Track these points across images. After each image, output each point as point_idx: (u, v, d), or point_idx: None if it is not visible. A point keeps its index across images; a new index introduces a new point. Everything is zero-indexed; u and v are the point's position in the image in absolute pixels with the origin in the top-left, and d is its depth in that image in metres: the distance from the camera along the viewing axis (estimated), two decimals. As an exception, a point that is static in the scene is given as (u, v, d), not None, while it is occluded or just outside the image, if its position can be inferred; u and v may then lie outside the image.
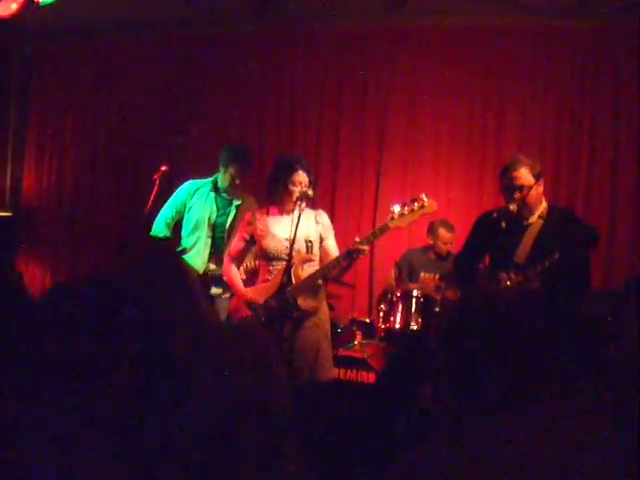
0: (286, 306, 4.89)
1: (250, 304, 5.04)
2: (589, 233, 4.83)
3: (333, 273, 5.08)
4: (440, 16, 7.49)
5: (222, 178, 5.93)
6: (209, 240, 5.92)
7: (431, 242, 6.95)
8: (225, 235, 5.89)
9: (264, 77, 8.20)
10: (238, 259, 5.27)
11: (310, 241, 5.02)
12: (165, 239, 5.74)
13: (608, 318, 5.14)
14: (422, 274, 6.90)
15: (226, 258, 5.35)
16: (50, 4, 6.42)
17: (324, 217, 5.16)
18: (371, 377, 5.98)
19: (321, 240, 5.10)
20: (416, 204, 4.83)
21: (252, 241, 5.16)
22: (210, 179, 6.02)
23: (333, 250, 5.09)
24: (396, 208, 4.84)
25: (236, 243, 5.25)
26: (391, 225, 4.85)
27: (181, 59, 8.42)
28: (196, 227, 5.93)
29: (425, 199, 4.83)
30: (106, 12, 7.91)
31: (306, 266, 4.99)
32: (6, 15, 6.25)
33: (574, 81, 7.28)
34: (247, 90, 8.24)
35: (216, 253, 5.91)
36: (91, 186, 8.81)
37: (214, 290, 5.85)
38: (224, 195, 5.97)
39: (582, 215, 6.66)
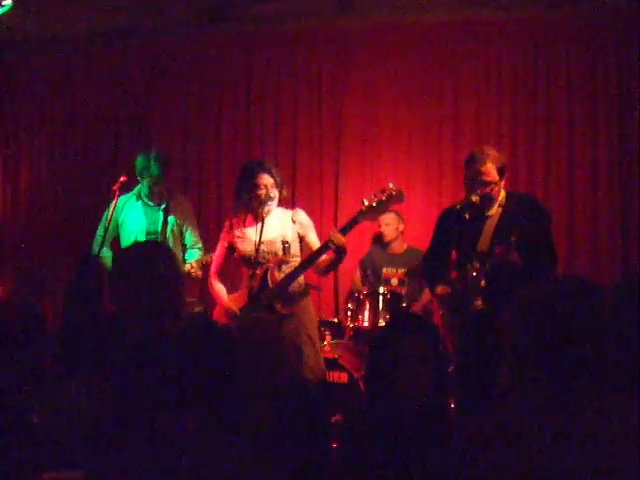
0: (264, 312, 4.88)
1: (228, 312, 5.02)
2: (544, 212, 4.87)
3: (317, 269, 5.05)
4: (392, 12, 7.49)
5: (142, 187, 5.99)
6: None
7: (380, 230, 7.00)
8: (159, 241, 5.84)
9: (219, 82, 8.16)
10: (221, 268, 5.28)
11: (287, 242, 5.02)
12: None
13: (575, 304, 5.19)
14: (384, 270, 6.92)
15: (210, 271, 5.35)
16: (4, 14, 6.34)
17: (301, 215, 5.16)
18: (343, 377, 5.96)
19: (301, 238, 5.09)
20: (385, 194, 4.82)
21: (232, 248, 5.15)
22: (134, 190, 6.05)
23: (315, 245, 5.08)
24: (365, 201, 4.83)
25: (217, 252, 5.28)
26: (361, 220, 4.83)
27: (136, 68, 8.34)
28: (131, 239, 5.92)
29: (393, 188, 4.82)
30: (57, 24, 7.82)
31: (284, 268, 4.98)
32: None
33: (527, 70, 7.34)
34: (202, 96, 8.19)
35: None
36: (48, 200, 8.68)
37: None
38: (150, 203, 6.02)
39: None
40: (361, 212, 4.84)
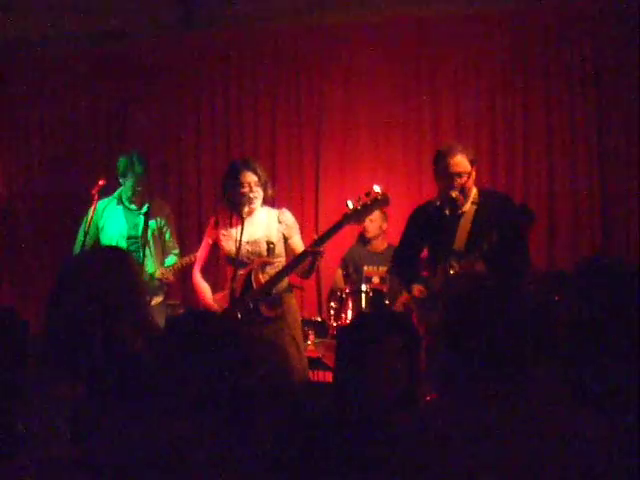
0: (247, 313, 4.86)
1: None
2: (524, 212, 4.87)
3: (298, 272, 5.04)
4: (370, 9, 7.50)
5: (124, 190, 5.98)
6: None
7: (361, 228, 6.96)
8: (140, 244, 5.84)
9: (197, 84, 8.15)
10: (205, 267, 5.25)
11: (272, 243, 5.01)
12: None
13: (555, 298, 5.23)
14: (365, 268, 6.92)
15: (194, 269, 5.32)
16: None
17: (287, 215, 5.15)
18: (328, 376, 5.96)
19: (286, 239, 5.08)
20: (370, 197, 4.77)
21: (216, 246, 5.14)
22: (115, 194, 6.04)
23: (299, 247, 5.05)
24: (350, 204, 4.79)
25: (201, 250, 5.27)
26: (345, 223, 4.81)
27: (114, 70, 8.29)
28: (111, 244, 5.86)
29: (378, 191, 4.77)
30: (38, 25, 7.80)
31: (268, 269, 4.96)
32: None
33: (505, 66, 7.35)
34: (180, 97, 8.17)
35: None
36: (26, 205, 8.63)
37: None
38: (131, 206, 6.02)
39: (521, 198, 6.76)
40: (346, 215, 4.80)
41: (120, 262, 2.90)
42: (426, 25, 7.52)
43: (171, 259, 6.04)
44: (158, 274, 5.84)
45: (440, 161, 4.83)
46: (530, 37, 7.28)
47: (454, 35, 7.42)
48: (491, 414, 2.06)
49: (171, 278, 5.90)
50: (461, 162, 4.77)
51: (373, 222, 6.90)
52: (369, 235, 6.99)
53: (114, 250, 3.69)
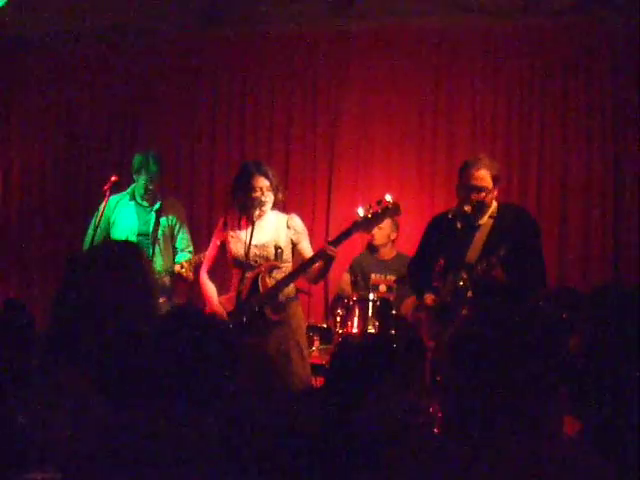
0: (252, 317, 4.84)
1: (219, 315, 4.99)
2: (534, 225, 4.85)
3: (308, 277, 5.02)
4: (388, 17, 7.50)
5: (137, 187, 5.98)
6: None
7: (369, 237, 6.91)
8: (150, 241, 5.84)
9: (213, 85, 8.16)
10: (212, 267, 5.23)
11: (279, 247, 4.97)
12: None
13: (563, 315, 5.20)
14: (373, 276, 6.89)
15: (201, 268, 5.30)
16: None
17: (296, 221, 5.11)
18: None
19: (294, 245, 5.05)
20: (380, 206, 4.73)
21: (224, 247, 5.11)
22: (128, 190, 6.04)
23: (307, 253, 5.03)
24: (360, 211, 4.76)
25: (209, 250, 5.24)
26: (355, 231, 4.79)
27: (129, 67, 8.32)
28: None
29: (390, 200, 4.72)
30: (53, 20, 7.79)
31: (275, 273, 4.94)
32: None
33: (524, 79, 7.35)
34: (196, 98, 8.19)
35: None
36: (39, 199, 8.65)
37: None
38: (143, 203, 6.01)
39: (534, 213, 6.72)
40: (355, 223, 4.78)
41: (131, 256, 2.90)
42: (446, 37, 7.51)
43: (185, 255, 6.01)
44: (178, 269, 5.80)
45: (464, 171, 4.80)
46: (551, 53, 7.27)
47: (473, 48, 7.45)
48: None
49: (190, 274, 5.86)
50: (483, 177, 4.73)
51: (382, 230, 6.84)
52: (377, 243, 6.94)
53: (126, 244, 3.70)
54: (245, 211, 5.02)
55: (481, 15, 7.29)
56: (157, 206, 5.88)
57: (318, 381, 5.94)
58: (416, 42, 7.56)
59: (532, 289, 4.76)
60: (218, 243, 5.19)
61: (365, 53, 7.69)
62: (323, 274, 5.08)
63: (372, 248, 7.01)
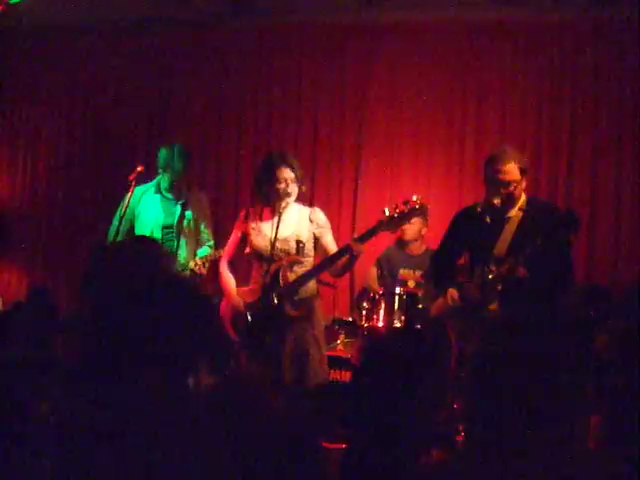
0: (271, 310, 4.81)
1: (234, 307, 4.96)
2: (569, 217, 4.75)
3: (332, 271, 4.98)
4: (417, 11, 7.43)
5: (162, 179, 5.94)
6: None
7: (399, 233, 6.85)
8: (175, 234, 5.83)
9: (240, 76, 8.13)
10: (233, 259, 5.19)
11: (301, 242, 4.92)
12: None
13: (591, 313, 5.14)
14: (401, 271, 6.83)
15: (221, 259, 5.27)
16: (20, 2, 6.32)
17: (318, 214, 5.04)
18: (355, 377, 5.92)
19: (317, 239, 4.99)
20: (407, 206, 4.67)
21: (244, 239, 5.07)
22: (153, 182, 6.01)
23: (331, 247, 4.98)
24: (386, 211, 4.70)
25: (230, 242, 5.19)
26: (380, 230, 4.74)
27: (156, 59, 8.32)
28: (146, 232, 5.86)
29: (417, 200, 4.67)
30: (79, 12, 7.82)
31: (296, 268, 4.90)
32: (-25, 14, 6.14)
33: (554, 75, 7.26)
34: (223, 90, 8.17)
35: None
36: (66, 187, 8.69)
37: None
38: (168, 196, 5.97)
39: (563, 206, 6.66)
40: (381, 222, 4.72)
41: (152, 252, 2.91)
42: (475, 30, 7.45)
43: (205, 250, 5.99)
44: (191, 265, 5.79)
45: (490, 165, 4.73)
46: (581, 49, 7.18)
47: (503, 42, 7.36)
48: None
49: (203, 270, 5.85)
50: (511, 170, 4.66)
51: (412, 226, 6.77)
52: (407, 238, 6.87)
53: (147, 241, 3.71)
54: (269, 203, 4.98)
55: (512, 9, 7.21)
56: (182, 199, 5.86)
57: (343, 375, 5.93)
58: (446, 36, 7.50)
59: (560, 286, 4.70)
60: (239, 235, 5.14)
61: (394, 47, 7.64)
62: (347, 269, 5.03)
63: (401, 243, 6.94)
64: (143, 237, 5.25)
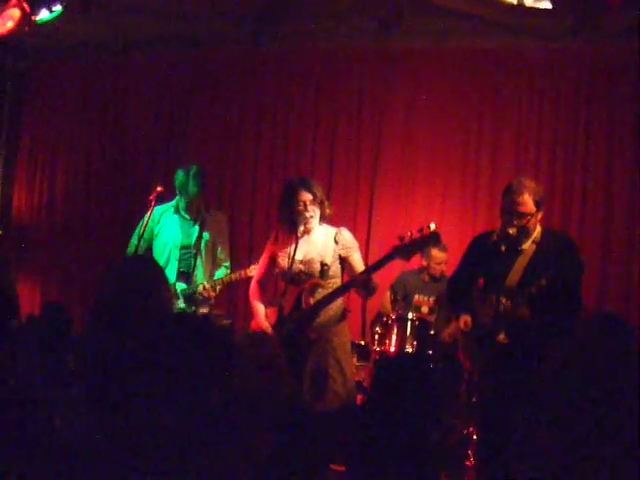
0: (293, 332, 4.84)
1: (263, 329, 5.00)
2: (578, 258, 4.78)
3: (361, 293, 5.05)
4: (435, 39, 7.53)
5: (180, 200, 6.01)
6: (176, 262, 5.96)
7: (424, 264, 6.90)
8: (192, 254, 5.89)
9: (259, 98, 8.21)
10: (263, 280, 5.24)
11: (326, 264, 4.94)
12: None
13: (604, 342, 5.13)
14: (416, 296, 6.85)
15: (252, 280, 5.32)
16: (47, 22, 6.42)
17: (345, 235, 5.07)
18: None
19: (343, 259, 5.02)
20: (421, 233, 4.66)
21: (274, 260, 5.12)
22: (173, 202, 6.06)
23: (358, 266, 5.00)
24: (401, 239, 4.70)
25: (260, 263, 5.25)
26: (394, 257, 4.76)
27: (175, 79, 8.42)
28: (165, 252, 5.95)
29: (430, 228, 4.65)
30: (101, 32, 7.92)
31: (319, 291, 4.92)
32: (3, 33, 6.23)
33: (569, 102, 7.31)
34: (242, 111, 8.24)
35: (184, 273, 5.95)
36: (83, 204, 8.77)
37: (181, 306, 5.87)
38: (186, 216, 6.03)
39: (576, 237, 6.65)
40: (396, 249, 4.72)
41: (147, 270, 3.12)
42: (491, 57, 7.51)
43: (222, 272, 6.04)
44: (199, 290, 5.83)
45: (507, 195, 4.76)
46: (596, 77, 7.22)
47: (519, 70, 7.41)
48: None
49: (212, 294, 5.89)
50: (526, 203, 4.68)
51: (440, 265, 6.83)
52: (437, 275, 6.89)
53: (145, 260, 4.02)
54: (291, 226, 5.04)
55: (528, 38, 7.27)
56: (200, 220, 5.92)
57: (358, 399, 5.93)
58: (461, 63, 7.56)
59: (567, 319, 4.69)
60: (268, 256, 5.19)
61: (411, 72, 7.70)
62: (369, 292, 5.06)
63: (422, 270, 6.96)
64: (143, 257, 5.33)
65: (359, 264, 5.03)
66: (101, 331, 2.80)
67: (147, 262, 3.66)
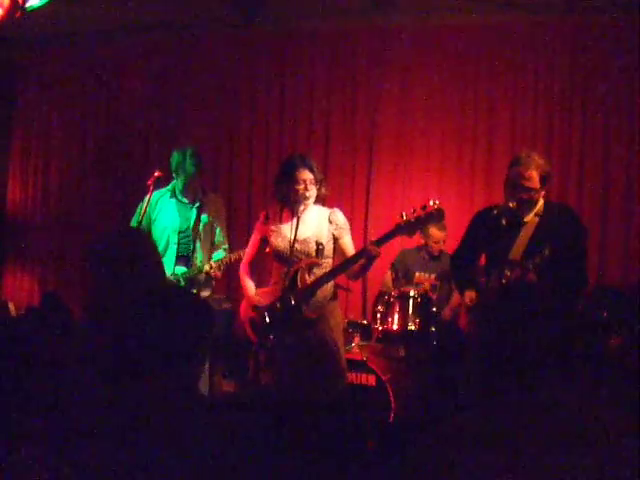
0: (289, 312, 4.82)
1: (255, 307, 4.98)
2: (582, 231, 4.79)
3: (348, 274, 4.97)
4: (429, 14, 7.48)
5: (177, 183, 5.98)
6: (175, 246, 5.94)
7: (423, 242, 6.90)
8: (191, 238, 5.89)
9: (252, 79, 8.18)
10: (253, 261, 5.20)
11: (321, 243, 4.90)
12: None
13: (604, 314, 5.15)
14: (417, 274, 6.84)
15: (242, 261, 5.29)
16: (37, 9, 6.36)
17: (338, 215, 5.02)
18: (371, 379, 5.93)
19: (335, 240, 4.99)
20: (424, 211, 4.62)
21: (265, 241, 5.08)
22: (169, 186, 6.04)
23: (349, 249, 4.96)
24: (404, 215, 4.65)
25: (250, 244, 5.19)
26: (397, 234, 4.71)
27: (168, 63, 8.39)
28: (163, 236, 5.93)
29: (433, 204, 4.61)
30: (92, 18, 7.87)
31: (315, 269, 4.90)
32: (-7, 21, 6.18)
33: (564, 78, 7.28)
34: (235, 93, 8.23)
35: (183, 257, 5.94)
36: (78, 193, 8.74)
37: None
38: (184, 200, 6.01)
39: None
40: (398, 226, 4.67)
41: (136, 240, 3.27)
42: (487, 34, 7.48)
43: (220, 253, 6.02)
44: (206, 268, 5.82)
45: (513, 167, 4.75)
46: (592, 53, 7.18)
47: (514, 46, 7.39)
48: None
49: (218, 273, 5.88)
50: (532, 178, 4.67)
51: (438, 243, 6.82)
52: (435, 254, 6.88)
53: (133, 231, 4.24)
54: (288, 204, 4.99)
55: (523, 12, 7.24)
56: (197, 203, 5.91)
57: (358, 377, 5.94)
58: (456, 39, 7.52)
59: (574, 291, 4.70)
60: (259, 237, 5.14)
61: (406, 48, 7.65)
62: (364, 272, 5.02)
63: (420, 247, 6.96)
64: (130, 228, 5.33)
65: (350, 246, 5.00)
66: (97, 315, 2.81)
67: (128, 232, 3.72)
